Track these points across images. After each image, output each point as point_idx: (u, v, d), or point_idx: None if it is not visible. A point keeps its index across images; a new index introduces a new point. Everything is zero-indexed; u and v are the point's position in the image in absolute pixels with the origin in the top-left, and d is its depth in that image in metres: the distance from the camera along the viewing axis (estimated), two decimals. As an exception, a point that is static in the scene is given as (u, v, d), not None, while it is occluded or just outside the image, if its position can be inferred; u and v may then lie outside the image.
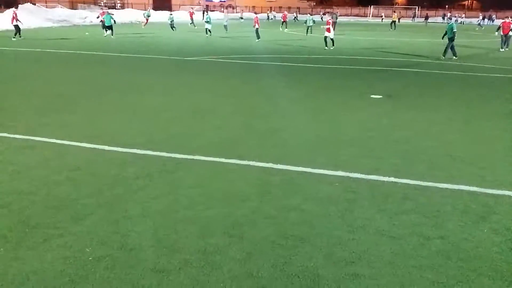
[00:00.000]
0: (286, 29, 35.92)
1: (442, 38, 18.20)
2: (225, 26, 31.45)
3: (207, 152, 5.77)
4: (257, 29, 24.53)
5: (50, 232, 3.67)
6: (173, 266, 3.22)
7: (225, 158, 5.56)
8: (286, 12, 42.06)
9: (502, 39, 21.56)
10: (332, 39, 20.67)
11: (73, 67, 13.80)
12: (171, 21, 32.54)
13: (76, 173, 4.98)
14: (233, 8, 70.71)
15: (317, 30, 31.18)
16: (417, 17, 67.66)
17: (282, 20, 38.19)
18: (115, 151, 5.78)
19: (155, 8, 62.42)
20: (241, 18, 56.40)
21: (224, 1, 78.52)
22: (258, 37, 24.28)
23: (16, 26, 23.05)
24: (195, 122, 7.37)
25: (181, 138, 6.41)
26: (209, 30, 27.67)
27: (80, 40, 24.03)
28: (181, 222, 3.91)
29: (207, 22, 27.91)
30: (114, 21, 26.24)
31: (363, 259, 3.36)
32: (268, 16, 63.38)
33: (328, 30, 20.55)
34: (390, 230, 3.81)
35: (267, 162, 5.39)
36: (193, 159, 5.53)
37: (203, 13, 29.49)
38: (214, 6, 75.96)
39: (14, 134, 6.35)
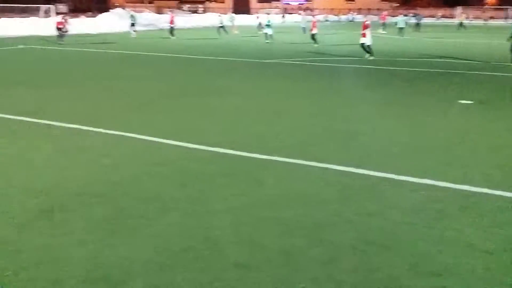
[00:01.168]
0: (382, 31, 33.30)
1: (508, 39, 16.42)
2: (304, 29, 31.31)
3: (287, 153, 5.80)
4: (313, 34, 22.96)
5: (140, 222, 3.90)
6: (254, 262, 3.28)
7: (304, 160, 5.55)
8: (385, 12, 40.84)
9: None
10: (369, 46, 17.30)
11: (155, 68, 14.55)
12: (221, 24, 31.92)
13: (163, 168, 5.24)
14: (311, 11, 70.48)
15: (412, 33, 30.13)
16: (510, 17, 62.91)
17: (382, 21, 36.81)
18: (199, 149, 6.00)
19: (235, 12, 63.96)
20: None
21: (302, 4, 78.51)
22: (316, 43, 22.75)
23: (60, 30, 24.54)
24: (274, 124, 7.44)
25: (261, 139, 6.51)
26: (270, 35, 25.46)
27: (162, 42, 25.26)
28: (262, 220, 3.96)
29: (267, 26, 25.73)
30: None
31: (452, 272, 3.19)
32: (348, 18, 62.77)
33: (364, 35, 17.33)
34: (483, 244, 3.57)
35: (348, 166, 5.30)
36: (272, 159, 5.59)
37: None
38: (292, 8, 76.22)
39: (108, 129, 6.82)
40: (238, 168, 5.27)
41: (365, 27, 17.38)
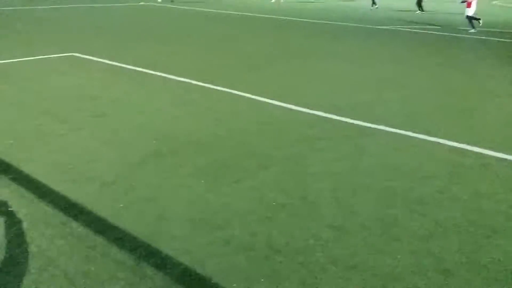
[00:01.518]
0: None
1: None
2: None
3: (392, 123, 5.55)
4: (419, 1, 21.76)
5: (241, 175, 4.05)
6: (350, 226, 3.25)
7: (412, 132, 5.27)
8: None
9: None
10: (473, 17, 15.15)
11: (264, 30, 14.62)
12: None
13: (265, 127, 5.34)
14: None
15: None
16: None
17: None
18: (301, 111, 5.98)
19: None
20: None
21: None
22: (422, 10, 21.72)
23: None
24: (380, 92, 7.13)
25: (365, 106, 6.29)
26: (374, 2, 24.00)
27: (269, 5, 25.19)
28: (360, 187, 3.88)
29: None
30: None
31: None
32: None
33: (469, 5, 14.99)
34: None
35: (460, 143, 4.92)
36: (376, 128, 5.39)
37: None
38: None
39: (217, 86, 7.08)
40: (339, 134, 5.18)
41: None
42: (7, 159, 4.19)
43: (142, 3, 23.21)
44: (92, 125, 5.21)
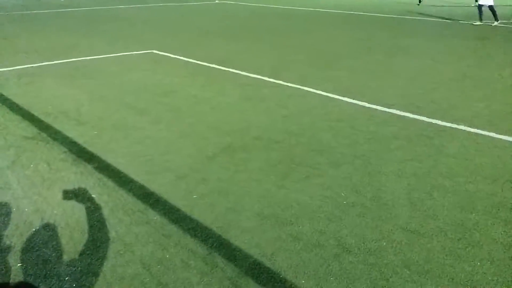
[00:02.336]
0: None
1: None
2: None
3: (473, 123, 5.22)
4: None
5: (311, 172, 4.01)
6: (425, 230, 3.10)
7: (495, 133, 4.93)
8: None
9: None
10: (491, 7, 13.80)
11: (330, 26, 14.35)
12: None
13: (338, 124, 5.24)
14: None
15: None
16: None
17: None
18: (375, 109, 5.81)
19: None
20: None
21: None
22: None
23: None
24: (459, 90, 6.73)
25: (443, 105, 5.97)
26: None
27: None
28: (438, 189, 3.69)
29: None
30: None
31: None
32: None
33: None
34: None
35: (552, 146, 4.53)
36: (456, 128, 5.10)
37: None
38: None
39: (289, 82, 7.08)
40: (416, 133, 4.96)
41: None
42: (92, 149, 4.49)
43: (217, 1, 23.76)
44: (168, 119, 5.43)
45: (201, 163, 4.19)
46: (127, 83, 7.10)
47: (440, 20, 15.72)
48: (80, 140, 4.69)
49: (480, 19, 14.34)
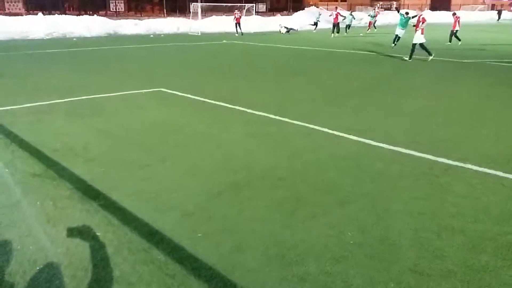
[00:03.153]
0: None
1: None
2: None
3: (481, 162, 5.21)
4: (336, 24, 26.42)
5: (317, 211, 3.98)
6: (434, 272, 3.04)
7: (503, 172, 4.90)
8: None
9: None
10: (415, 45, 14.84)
11: (334, 65, 14.59)
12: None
13: (343, 162, 5.24)
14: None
15: None
16: None
17: None
18: (380, 147, 5.82)
19: (432, 8, 59.82)
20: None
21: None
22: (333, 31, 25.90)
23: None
24: (465, 128, 6.75)
25: (449, 143, 5.98)
26: (396, 39, 19.55)
27: (344, 39, 25.16)
28: (446, 229, 3.64)
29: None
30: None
31: None
32: None
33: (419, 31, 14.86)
34: None
35: (561, 185, 4.48)
36: (463, 167, 5.08)
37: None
38: (502, 5, 67.47)
39: (293, 120, 7.14)
40: (422, 171, 4.95)
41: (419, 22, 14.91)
42: (98, 186, 4.50)
43: (224, 41, 24.35)
44: (175, 156, 5.46)
45: (206, 201, 4.18)
46: (134, 120, 7.19)
47: (447, 59, 15.94)
48: (86, 177, 4.72)
49: (410, 56, 15.34)
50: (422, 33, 14.92)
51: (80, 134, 6.34)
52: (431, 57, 15.03)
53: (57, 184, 4.54)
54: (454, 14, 21.81)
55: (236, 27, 28.98)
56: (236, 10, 30.78)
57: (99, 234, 3.53)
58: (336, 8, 30.81)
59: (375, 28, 31.82)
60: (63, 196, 4.25)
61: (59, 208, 4.00)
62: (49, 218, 3.82)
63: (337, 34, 27.89)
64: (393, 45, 19.99)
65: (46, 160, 5.26)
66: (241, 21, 29.42)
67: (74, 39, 24.53)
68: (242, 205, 4.10)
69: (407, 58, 15.37)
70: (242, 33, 28.56)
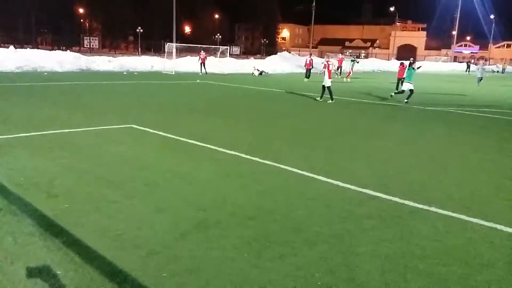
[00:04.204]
0: None
1: None
2: (479, 79, 29.14)
3: (446, 205, 5.35)
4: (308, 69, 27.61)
5: (286, 251, 3.97)
6: (400, 314, 3.05)
7: (467, 216, 5.04)
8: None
9: None
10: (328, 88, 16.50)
11: (305, 108, 14.94)
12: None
13: (312, 202, 5.28)
14: (485, 60, 65.01)
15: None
16: None
17: None
18: (349, 188, 5.91)
19: (398, 58, 62.52)
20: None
21: (476, 52, 73.07)
22: (307, 76, 27.17)
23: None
24: (432, 172, 6.96)
25: (416, 187, 6.13)
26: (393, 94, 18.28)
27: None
28: (412, 271, 3.68)
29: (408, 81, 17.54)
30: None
31: None
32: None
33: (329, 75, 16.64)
34: None
35: (520, 229, 4.63)
36: (428, 210, 5.20)
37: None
38: (463, 57, 71.42)
39: (263, 159, 7.19)
40: (388, 213, 5.03)
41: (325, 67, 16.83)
42: (61, 222, 4.36)
43: (198, 80, 24.61)
44: (143, 193, 5.37)
45: (174, 240, 4.11)
46: (103, 156, 7.08)
47: (417, 107, 16.55)
48: (50, 213, 4.57)
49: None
50: (329, 77, 16.61)
51: (46, 169, 6.18)
52: (331, 101, 16.44)
53: (18, 220, 4.37)
54: (402, 63, 22.75)
55: (201, 66, 29.89)
56: (202, 51, 31.52)
57: (59, 272, 3.40)
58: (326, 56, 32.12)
59: (339, 76, 32.52)
60: (24, 233, 4.09)
61: (18, 245, 3.84)
62: (8, 254, 3.65)
63: (306, 80, 28.59)
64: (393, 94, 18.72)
65: (8, 194, 5.08)
66: (207, 62, 30.49)
67: (45, 73, 24.28)
68: (210, 244, 4.05)
69: (318, 99, 16.97)
70: (206, 73, 29.38)
